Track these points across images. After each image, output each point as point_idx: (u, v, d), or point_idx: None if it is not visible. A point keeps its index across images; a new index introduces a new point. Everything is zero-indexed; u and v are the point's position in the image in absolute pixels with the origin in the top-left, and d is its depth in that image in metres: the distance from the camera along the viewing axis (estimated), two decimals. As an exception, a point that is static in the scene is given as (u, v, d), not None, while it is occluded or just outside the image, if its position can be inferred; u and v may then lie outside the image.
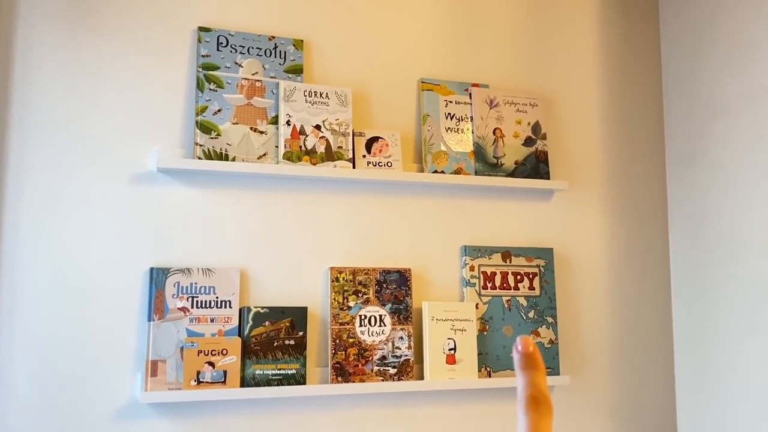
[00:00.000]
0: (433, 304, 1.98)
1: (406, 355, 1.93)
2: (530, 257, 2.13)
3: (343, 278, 1.92)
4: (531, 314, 2.09)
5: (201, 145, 1.83)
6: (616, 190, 2.28)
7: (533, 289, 2.11)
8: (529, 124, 2.18)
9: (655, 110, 2.37)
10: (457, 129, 2.11)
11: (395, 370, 1.91)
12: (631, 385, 2.20)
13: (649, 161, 2.34)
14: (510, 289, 2.09)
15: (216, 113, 1.86)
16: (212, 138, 1.85)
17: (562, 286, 2.18)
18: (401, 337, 1.94)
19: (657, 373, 2.24)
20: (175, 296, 1.79)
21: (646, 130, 2.35)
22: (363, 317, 1.92)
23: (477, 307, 2.05)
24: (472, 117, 2.12)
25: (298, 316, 1.86)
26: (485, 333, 2.04)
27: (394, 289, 1.96)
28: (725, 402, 2.04)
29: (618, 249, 2.26)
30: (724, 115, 2.09)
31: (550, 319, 2.10)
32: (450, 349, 1.97)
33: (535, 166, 2.16)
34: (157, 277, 1.78)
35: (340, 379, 1.87)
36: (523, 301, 2.09)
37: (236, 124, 1.87)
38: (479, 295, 2.06)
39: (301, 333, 1.86)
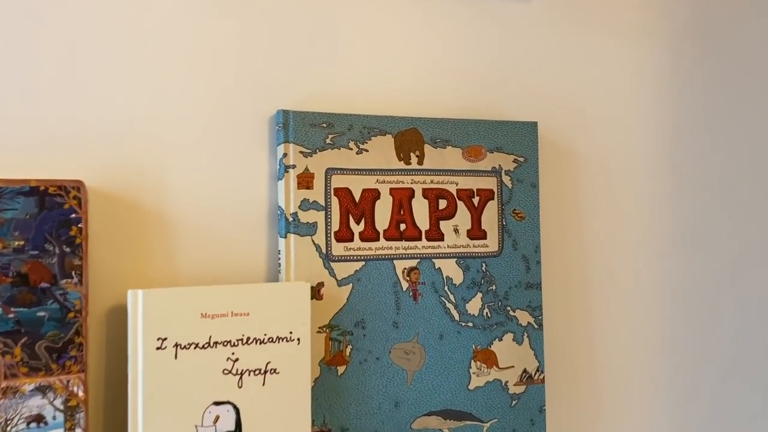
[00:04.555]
0: (164, 294, 0.60)
1: (60, 477, 0.57)
2: (476, 147, 0.76)
3: None
4: (474, 306, 0.74)
5: None
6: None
7: (481, 235, 0.75)
8: None
9: None
10: None
11: None
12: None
13: None
14: (417, 239, 0.72)
15: None
16: None
17: (559, 226, 0.83)
18: (33, 418, 0.56)
19: None
20: None
21: None
22: None
23: (318, 295, 0.68)
24: None
25: None
26: (341, 371, 0.69)
27: (12, 256, 0.56)
28: None
29: (699, 133, 0.91)
30: None
31: (524, 317, 0.77)
32: (223, 437, 0.62)
33: None
34: None
35: None
36: (452, 270, 0.74)
37: None
38: (326, 257, 0.69)
39: None
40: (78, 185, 0.58)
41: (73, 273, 0.58)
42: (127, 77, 0.64)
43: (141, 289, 0.60)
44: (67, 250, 0.58)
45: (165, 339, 0.60)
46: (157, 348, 0.60)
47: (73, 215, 0.58)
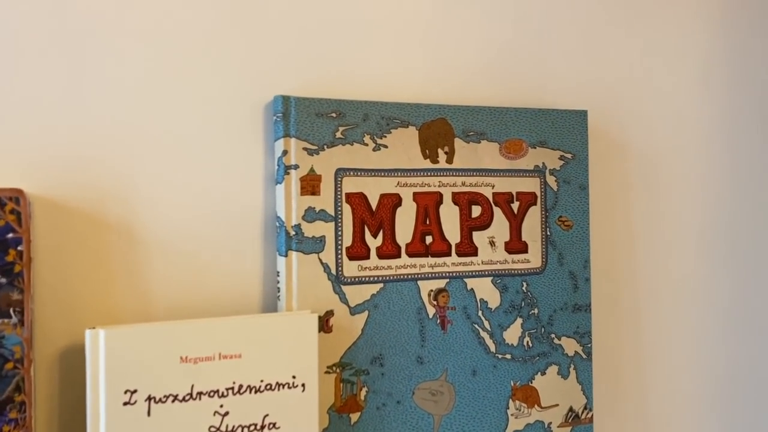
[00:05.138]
0: (132, 333, 0.47)
1: None
2: (516, 141, 0.62)
3: None
4: (513, 335, 0.62)
5: None
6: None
7: (521, 248, 0.62)
8: None
9: None
10: None
11: None
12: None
13: None
14: (446, 254, 0.59)
15: None
16: None
17: (612, 236, 0.70)
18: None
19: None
20: None
21: None
22: None
23: (327, 327, 0.55)
24: None
25: None
26: (355, 420, 0.56)
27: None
28: None
29: None
30: None
31: (570, 346, 0.64)
32: None
33: None
34: None
35: None
36: (487, 291, 0.61)
37: None
38: (337, 279, 0.56)
39: None
40: (16, 195, 0.45)
41: (11, 311, 0.44)
42: (83, 57, 0.50)
43: (102, 328, 0.46)
44: (3, 280, 0.44)
45: (134, 391, 0.47)
46: (125, 403, 0.47)
47: (11, 235, 0.44)
